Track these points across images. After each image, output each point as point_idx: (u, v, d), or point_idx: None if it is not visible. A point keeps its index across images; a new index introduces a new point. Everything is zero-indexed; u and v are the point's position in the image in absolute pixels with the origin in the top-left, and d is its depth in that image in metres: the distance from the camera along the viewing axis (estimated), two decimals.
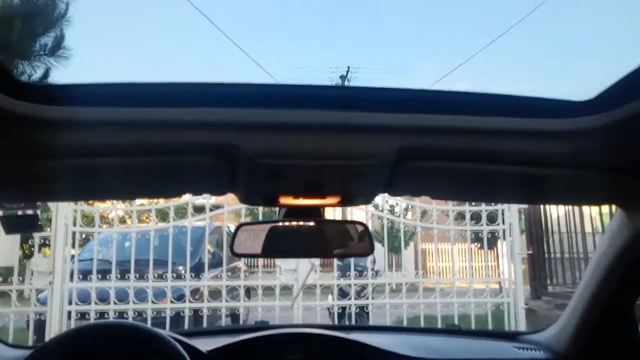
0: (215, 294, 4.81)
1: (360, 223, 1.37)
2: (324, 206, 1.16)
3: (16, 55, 3.44)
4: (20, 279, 4.61)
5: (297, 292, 4.66)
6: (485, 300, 4.88)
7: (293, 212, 1.20)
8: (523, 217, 5.71)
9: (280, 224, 1.33)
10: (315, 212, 1.18)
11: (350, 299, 4.81)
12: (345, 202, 1.05)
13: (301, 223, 1.34)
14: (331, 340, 1.55)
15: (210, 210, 4.94)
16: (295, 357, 1.51)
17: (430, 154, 0.81)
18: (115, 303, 4.56)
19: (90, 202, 4.89)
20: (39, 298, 4.64)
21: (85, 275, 4.69)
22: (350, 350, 1.53)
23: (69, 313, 4.55)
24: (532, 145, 0.79)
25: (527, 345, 1.67)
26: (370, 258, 5.64)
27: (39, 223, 3.63)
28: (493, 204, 4.91)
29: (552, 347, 1.62)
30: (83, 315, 4.56)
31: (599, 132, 0.74)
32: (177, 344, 1.23)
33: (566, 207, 5.65)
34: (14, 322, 4.48)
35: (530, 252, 5.48)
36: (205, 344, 1.51)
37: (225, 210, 5.00)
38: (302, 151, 0.78)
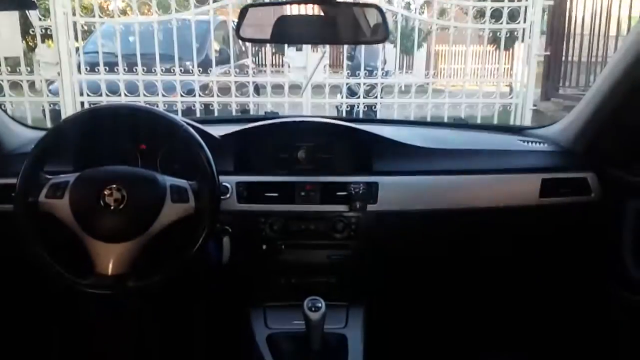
0: (224, 90, 4.81)
1: (375, 6, 1.27)
2: None
3: None
4: (29, 69, 4.59)
5: (306, 83, 4.59)
6: (493, 101, 4.88)
7: None
8: (546, 16, 5.37)
9: (290, 6, 1.23)
10: None
11: (359, 97, 4.82)
12: None
13: (311, 6, 1.25)
14: (342, 129, 1.57)
15: (214, 1, 4.65)
16: (305, 145, 1.54)
17: None
18: (126, 95, 4.61)
19: None
20: (50, 89, 4.69)
21: (92, 67, 4.65)
22: (359, 139, 1.55)
23: (82, 104, 4.64)
24: None
25: (532, 139, 1.70)
26: (380, 58, 5.49)
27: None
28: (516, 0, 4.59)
29: (557, 141, 1.64)
30: None
31: None
32: (189, 127, 1.23)
33: (593, 7, 5.29)
34: (30, 111, 4.61)
35: (548, 53, 5.29)
36: (217, 130, 1.54)
37: (229, 2, 4.69)
38: None
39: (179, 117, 1.28)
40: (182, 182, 1.22)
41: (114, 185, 1.14)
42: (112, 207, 1.13)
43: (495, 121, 4.83)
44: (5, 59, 4.50)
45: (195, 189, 1.21)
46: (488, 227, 1.54)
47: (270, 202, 1.44)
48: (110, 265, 1.12)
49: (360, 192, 1.40)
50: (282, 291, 1.54)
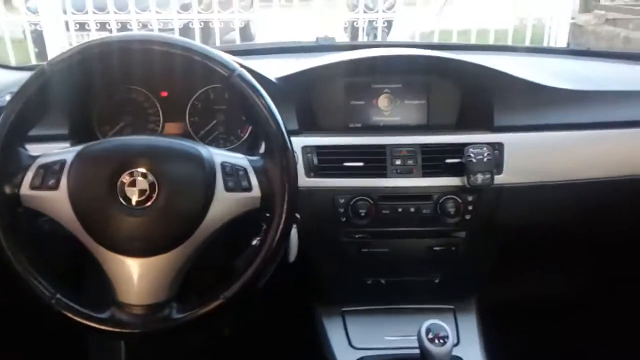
0: (223, 4, 4.28)
1: None
2: None
3: None
4: None
5: None
6: (525, 13, 4.38)
7: None
8: None
9: None
10: None
11: (377, 12, 4.30)
12: None
13: None
14: (443, 62, 1.13)
15: None
16: (387, 86, 1.16)
17: None
18: (115, 13, 4.05)
19: None
20: (28, 7, 4.12)
21: None
22: (466, 77, 1.13)
23: (67, 23, 4.09)
24: None
25: None
26: None
27: None
28: None
29: None
30: (82, 25, 4.10)
31: None
32: (244, 70, 0.80)
33: None
34: (9, 32, 4.07)
35: None
36: (263, 67, 1.14)
37: None
38: None
39: (218, 51, 0.82)
40: (238, 158, 0.78)
41: (139, 169, 0.72)
42: (135, 203, 0.72)
43: (528, 38, 4.34)
44: None
45: (259, 167, 0.78)
46: None
47: (352, 175, 1.04)
48: (140, 291, 0.73)
49: (485, 158, 0.99)
50: (367, 294, 1.18)
